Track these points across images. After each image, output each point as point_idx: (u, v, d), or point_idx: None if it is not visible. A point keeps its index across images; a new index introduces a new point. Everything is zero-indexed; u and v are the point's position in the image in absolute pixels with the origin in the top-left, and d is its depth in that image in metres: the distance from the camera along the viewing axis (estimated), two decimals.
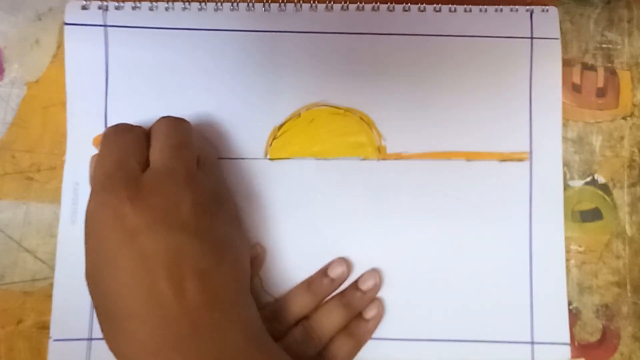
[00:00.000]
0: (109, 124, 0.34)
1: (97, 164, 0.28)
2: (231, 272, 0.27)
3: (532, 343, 0.33)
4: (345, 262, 0.33)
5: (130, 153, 0.28)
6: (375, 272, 0.34)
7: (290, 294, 0.33)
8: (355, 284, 0.33)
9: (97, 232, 0.27)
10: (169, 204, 0.26)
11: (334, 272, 0.33)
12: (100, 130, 0.34)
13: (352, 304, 0.33)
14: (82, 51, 0.35)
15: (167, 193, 0.27)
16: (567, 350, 0.33)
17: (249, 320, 0.28)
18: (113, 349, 0.26)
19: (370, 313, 0.33)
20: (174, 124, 0.30)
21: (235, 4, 0.35)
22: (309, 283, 0.33)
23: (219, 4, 0.35)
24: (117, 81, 0.35)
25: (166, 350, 0.25)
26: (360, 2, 0.35)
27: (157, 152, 0.28)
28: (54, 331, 0.33)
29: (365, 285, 0.33)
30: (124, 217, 0.26)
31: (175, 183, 0.27)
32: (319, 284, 0.33)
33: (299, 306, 0.32)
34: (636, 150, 0.35)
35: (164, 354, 0.25)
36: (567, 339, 0.33)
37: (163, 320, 0.25)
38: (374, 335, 0.33)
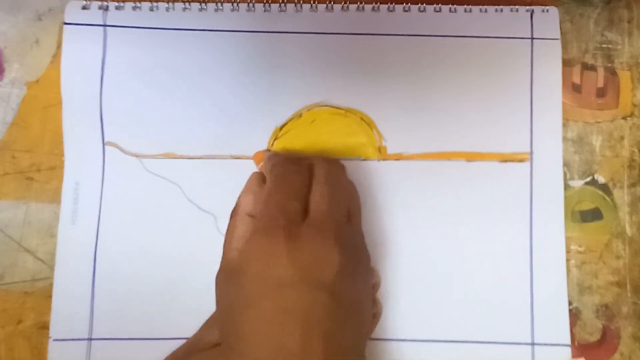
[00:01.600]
0: (106, 125, 0.34)
1: (266, 200, 0.28)
2: (355, 334, 0.27)
3: (533, 344, 0.33)
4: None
5: (294, 195, 0.28)
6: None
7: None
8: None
9: (247, 272, 0.27)
10: (321, 261, 0.26)
11: None
12: (97, 129, 0.34)
13: None
14: (80, 51, 0.35)
15: (321, 249, 0.27)
16: (567, 352, 0.33)
17: None
18: None
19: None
20: (335, 168, 0.31)
21: (235, 5, 0.35)
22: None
23: (219, 4, 0.35)
24: (114, 81, 0.35)
25: None
26: (361, 3, 0.35)
27: (318, 198, 0.28)
28: (54, 331, 0.33)
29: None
30: (277, 266, 0.26)
31: (329, 239, 0.27)
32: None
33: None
34: (636, 150, 0.35)
35: None
36: (568, 340, 0.33)
37: None
38: (373, 336, 0.33)
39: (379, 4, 0.35)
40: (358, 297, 0.28)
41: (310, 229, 0.27)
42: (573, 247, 0.34)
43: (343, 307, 0.26)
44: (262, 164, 0.34)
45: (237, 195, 0.34)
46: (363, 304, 0.28)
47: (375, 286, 0.33)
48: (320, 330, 0.25)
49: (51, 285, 0.34)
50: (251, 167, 0.34)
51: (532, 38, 0.35)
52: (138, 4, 0.35)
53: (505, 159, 0.35)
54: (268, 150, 0.34)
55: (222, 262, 0.29)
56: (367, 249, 0.31)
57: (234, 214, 0.30)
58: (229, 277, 0.28)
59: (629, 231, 0.35)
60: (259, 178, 0.31)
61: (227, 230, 0.30)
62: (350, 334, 0.27)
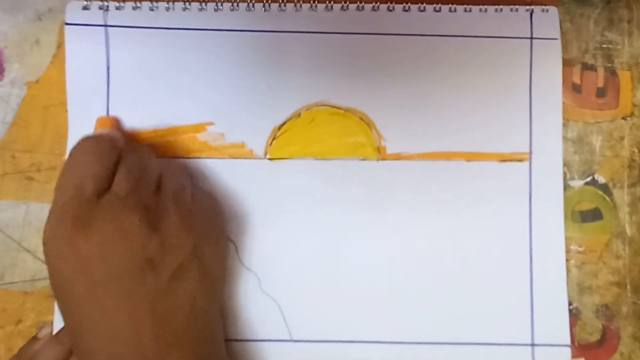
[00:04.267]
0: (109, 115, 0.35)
1: (57, 186, 0.28)
2: (183, 303, 0.27)
3: (533, 345, 0.33)
4: None
5: (88, 176, 0.27)
6: None
7: (41, 348, 0.32)
8: None
9: (51, 263, 0.27)
10: (125, 234, 0.26)
11: (42, 333, 0.33)
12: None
13: None
14: (83, 51, 0.35)
15: (122, 224, 0.26)
16: (567, 352, 0.33)
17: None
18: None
19: None
20: (141, 149, 0.30)
21: (235, 4, 0.35)
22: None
23: (219, 4, 0.35)
24: (119, 81, 0.35)
25: None
26: (360, 2, 0.35)
27: (119, 177, 0.28)
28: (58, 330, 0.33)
29: None
30: (76, 250, 0.26)
31: (130, 211, 0.26)
32: (28, 349, 0.32)
33: (49, 358, 0.31)
34: (636, 150, 0.35)
35: None
36: (568, 341, 0.33)
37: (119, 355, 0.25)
38: (371, 339, 0.33)
39: (378, 3, 0.35)
40: (173, 266, 0.27)
41: (104, 207, 0.26)
42: (573, 247, 0.34)
43: (157, 276, 0.26)
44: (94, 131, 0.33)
45: (236, 195, 0.34)
46: (183, 272, 0.27)
47: (215, 254, 0.31)
48: (138, 305, 0.26)
49: None
50: (251, 167, 0.34)
51: (532, 38, 0.35)
52: (138, 4, 0.35)
53: (505, 158, 0.34)
54: (104, 124, 0.33)
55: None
56: (208, 215, 0.30)
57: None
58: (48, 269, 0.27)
59: (629, 231, 0.35)
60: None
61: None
62: (174, 306, 0.27)
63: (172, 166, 0.31)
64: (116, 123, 0.34)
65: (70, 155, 0.29)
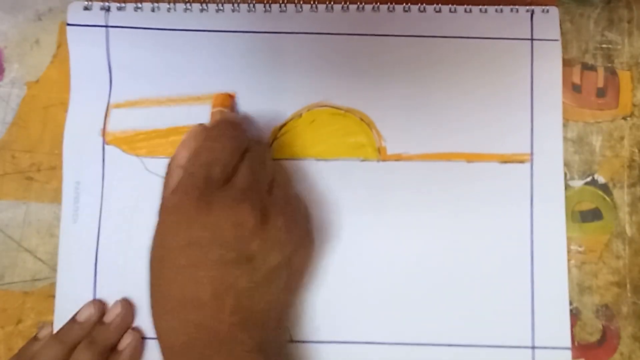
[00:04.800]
0: (110, 124, 0.34)
1: (192, 159, 0.29)
2: (264, 298, 0.29)
3: (533, 348, 0.33)
4: (94, 304, 0.33)
5: (220, 161, 0.29)
6: (119, 302, 0.33)
7: (41, 348, 0.32)
8: (100, 320, 0.33)
9: (166, 225, 0.28)
10: (233, 225, 0.27)
11: (82, 316, 0.33)
12: (99, 129, 0.35)
13: (98, 339, 0.32)
14: (84, 52, 0.35)
15: (234, 214, 0.28)
16: (568, 355, 0.33)
17: (270, 347, 0.29)
18: (157, 334, 0.28)
19: (123, 343, 0.33)
20: (264, 147, 0.33)
21: (236, 5, 0.35)
22: (57, 333, 0.32)
23: (220, 5, 0.35)
24: (120, 81, 0.35)
25: (189, 351, 0.27)
26: (361, 3, 0.35)
27: (243, 170, 0.29)
28: (58, 329, 0.33)
29: (108, 318, 0.33)
30: (189, 225, 0.27)
31: (245, 205, 0.28)
32: (67, 331, 0.32)
33: (49, 358, 0.31)
34: (636, 150, 0.35)
35: (187, 353, 0.27)
36: (568, 343, 0.33)
37: (198, 327, 0.27)
38: (371, 340, 0.33)
39: (379, 4, 0.35)
40: (273, 264, 0.29)
41: (226, 195, 0.28)
42: (573, 247, 0.34)
43: (255, 271, 0.28)
44: (213, 109, 0.34)
45: None
46: (280, 270, 0.29)
47: (304, 258, 0.33)
48: (229, 288, 0.27)
49: (51, 285, 0.34)
50: None
51: (532, 39, 0.35)
52: (139, 5, 0.35)
53: (506, 159, 0.34)
54: (223, 102, 0.34)
55: (159, 204, 0.30)
56: (297, 214, 0.32)
57: (170, 162, 0.31)
58: (161, 220, 0.29)
59: (629, 231, 0.35)
60: (199, 133, 0.31)
61: (165, 178, 0.30)
62: (259, 297, 0.28)
63: (283, 169, 0.33)
64: (234, 102, 0.34)
65: (208, 133, 0.30)
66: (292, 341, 0.33)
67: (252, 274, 0.28)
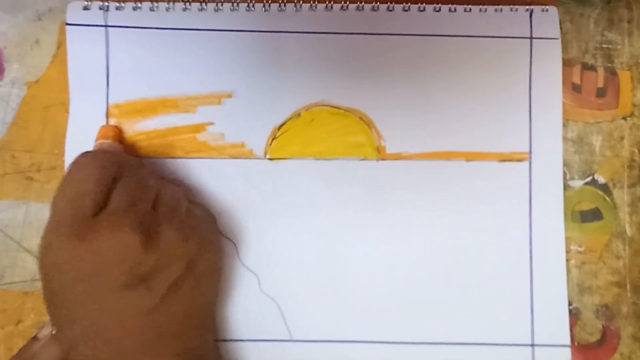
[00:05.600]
0: (111, 124, 0.35)
1: (55, 199, 0.28)
2: (172, 313, 0.28)
3: (533, 345, 0.33)
4: None
5: (87, 191, 0.28)
6: None
7: (41, 348, 0.31)
8: None
9: (48, 270, 0.27)
10: (118, 249, 0.27)
11: (42, 334, 0.32)
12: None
13: None
14: (83, 51, 0.35)
15: (116, 238, 0.27)
16: (567, 353, 0.33)
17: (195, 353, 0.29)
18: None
19: None
20: (140, 165, 0.32)
21: (235, 4, 0.35)
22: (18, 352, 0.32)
23: (219, 4, 0.35)
24: (118, 81, 0.35)
25: None
26: (360, 2, 0.35)
27: (118, 192, 0.28)
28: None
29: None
30: (73, 260, 0.27)
31: (125, 227, 0.27)
32: (28, 349, 0.32)
33: (49, 358, 0.31)
34: (636, 150, 0.35)
35: None
36: (568, 341, 0.33)
37: (114, 354, 0.27)
38: (371, 339, 0.33)
39: (378, 3, 0.35)
40: (172, 277, 0.28)
41: (101, 222, 0.27)
42: (573, 247, 0.34)
43: (152, 289, 0.27)
44: (97, 142, 0.33)
45: (235, 195, 0.34)
46: (180, 282, 0.28)
47: (211, 260, 0.32)
48: (131, 310, 0.27)
49: None
50: (251, 167, 0.34)
51: (532, 38, 0.35)
52: (138, 4, 0.35)
53: (505, 158, 0.34)
54: (105, 133, 0.34)
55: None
56: (189, 219, 0.30)
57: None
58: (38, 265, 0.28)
59: (629, 231, 0.35)
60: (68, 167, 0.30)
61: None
62: (168, 310, 0.28)
63: (167, 183, 0.32)
64: (118, 133, 0.34)
65: (69, 170, 0.29)
66: (290, 340, 0.33)
67: (152, 292, 0.27)
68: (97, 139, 0.33)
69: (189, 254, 0.29)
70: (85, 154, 0.30)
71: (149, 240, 0.27)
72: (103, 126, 0.34)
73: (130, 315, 0.27)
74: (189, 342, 0.29)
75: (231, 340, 0.34)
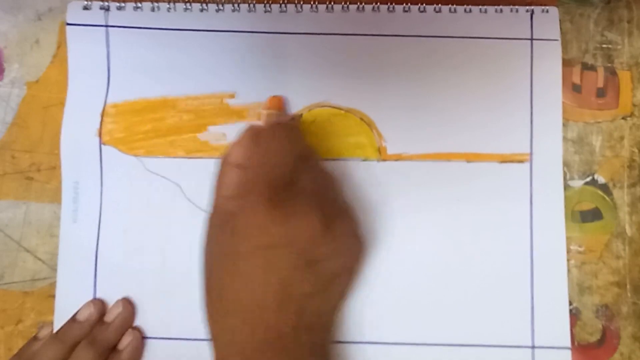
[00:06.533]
0: (106, 123, 0.34)
1: (259, 162, 0.29)
2: (326, 301, 0.29)
3: (533, 347, 0.33)
4: (94, 303, 0.33)
5: (280, 163, 0.29)
6: (120, 302, 0.33)
7: (41, 348, 0.32)
8: (101, 319, 0.33)
9: (239, 227, 0.28)
10: (304, 230, 0.27)
11: (81, 315, 0.33)
12: (95, 130, 0.34)
13: (98, 339, 0.32)
14: (83, 51, 0.35)
15: (306, 219, 0.28)
16: (567, 355, 0.33)
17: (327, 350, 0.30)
18: (214, 336, 0.28)
19: (123, 343, 0.33)
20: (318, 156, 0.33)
21: (236, 5, 0.35)
22: (57, 333, 0.32)
23: (220, 5, 0.35)
24: (119, 81, 0.35)
25: (254, 353, 0.27)
26: (361, 3, 0.35)
27: (310, 173, 0.29)
28: (58, 329, 0.33)
29: (109, 317, 0.33)
30: (263, 229, 0.27)
31: (315, 211, 0.28)
32: (67, 330, 0.32)
33: (49, 358, 0.31)
34: (636, 150, 0.35)
35: (251, 355, 0.27)
36: (568, 343, 0.33)
37: (264, 329, 0.27)
38: (371, 339, 0.33)
39: (379, 4, 0.35)
40: (335, 269, 0.29)
41: (296, 200, 0.28)
42: (573, 247, 0.34)
43: (319, 275, 0.28)
44: (268, 111, 0.34)
45: None
46: (340, 275, 0.30)
47: (359, 263, 0.33)
48: (296, 292, 0.27)
49: (51, 285, 0.34)
50: None
51: (532, 39, 0.35)
52: (139, 4, 0.35)
53: (505, 159, 0.34)
54: (277, 104, 0.34)
55: (213, 206, 0.30)
56: (352, 220, 0.32)
57: (224, 161, 0.30)
58: (223, 223, 0.28)
59: (629, 231, 0.35)
60: (254, 133, 0.30)
61: (218, 176, 0.30)
62: (320, 301, 0.29)
63: (334, 176, 0.33)
64: (284, 104, 0.34)
65: (267, 135, 0.29)
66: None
67: (316, 279, 0.28)
68: (268, 108, 0.34)
69: (349, 251, 0.30)
70: (280, 125, 0.31)
71: (328, 228, 0.28)
72: (274, 96, 0.34)
73: (294, 296, 0.27)
74: (328, 338, 0.30)
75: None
